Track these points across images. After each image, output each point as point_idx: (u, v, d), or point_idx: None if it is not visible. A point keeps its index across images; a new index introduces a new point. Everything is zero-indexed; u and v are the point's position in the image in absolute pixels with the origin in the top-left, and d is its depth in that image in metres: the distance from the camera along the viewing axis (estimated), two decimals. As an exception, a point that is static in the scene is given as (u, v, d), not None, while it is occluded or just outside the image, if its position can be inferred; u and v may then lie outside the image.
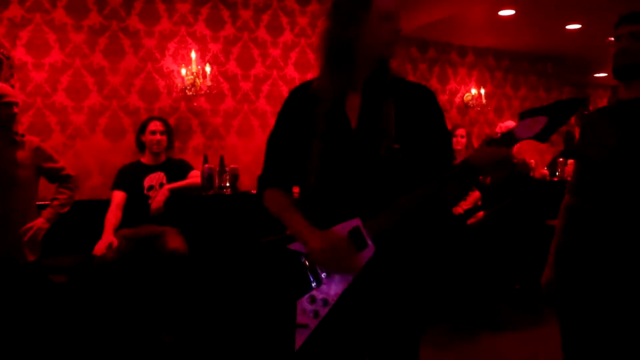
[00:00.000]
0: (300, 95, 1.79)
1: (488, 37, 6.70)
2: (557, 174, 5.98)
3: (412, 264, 1.75)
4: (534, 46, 7.25)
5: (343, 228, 1.62)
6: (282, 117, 1.82)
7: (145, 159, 4.12)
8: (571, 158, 5.37)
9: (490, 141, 1.60)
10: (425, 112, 1.72)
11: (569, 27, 6.23)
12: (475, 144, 6.42)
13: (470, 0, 5.22)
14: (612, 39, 2.11)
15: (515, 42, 7.03)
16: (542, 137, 1.53)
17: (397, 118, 1.66)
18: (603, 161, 2.05)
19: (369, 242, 1.60)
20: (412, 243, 1.75)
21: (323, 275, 1.65)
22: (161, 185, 3.98)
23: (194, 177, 4.16)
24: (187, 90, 4.90)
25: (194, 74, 4.87)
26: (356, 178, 1.66)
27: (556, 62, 7.88)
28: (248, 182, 4.89)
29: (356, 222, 1.62)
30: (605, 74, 8.52)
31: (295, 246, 1.68)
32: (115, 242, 3.58)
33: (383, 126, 1.66)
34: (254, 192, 4.68)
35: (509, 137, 1.56)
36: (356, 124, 1.69)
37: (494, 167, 1.56)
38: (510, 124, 4.88)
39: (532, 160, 6.31)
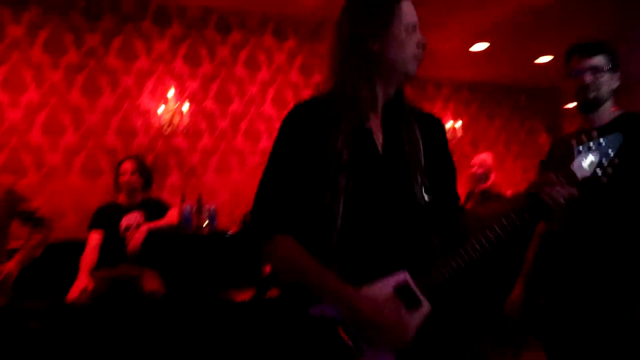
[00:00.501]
0: (308, 116, 1.46)
1: (463, 70, 6.83)
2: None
3: (466, 317, 1.64)
4: (508, 78, 7.40)
5: (386, 284, 1.32)
6: (286, 142, 1.46)
7: (122, 199, 4.09)
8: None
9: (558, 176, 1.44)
10: (442, 143, 1.58)
11: (540, 59, 6.38)
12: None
13: (443, 36, 5.33)
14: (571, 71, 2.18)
15: (489, 74, 7.17)
16: (601, 174, 1.44)
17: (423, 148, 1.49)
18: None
19: (423, 300, 1.31)
20: (469, 294, 1.64)
21: (364, 346, 1.30)
22: (138, 225, 3.95)
23: (172, 216, 4.14)
24: (164, 129, 4.90)
25: (172, 111, 4.88)
26: (393, 218, 1.41)
27: (529, 94, 8.03)
28: (226, 221, 4.88)
29: (403, 275, 1.33)
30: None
31: (322, 310, 1.33)
32: (91, 285, 3.54)
33: (415, 156, 1.47)
34: (231, 232, 4.67)
35: (571, 177, 1.44)
36: (382, 152, 1.46)
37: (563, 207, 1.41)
38: (484, 156, 4.94)
39: (509, 192, 6.39)
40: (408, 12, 1.47)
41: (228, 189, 5.31)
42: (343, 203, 1.36)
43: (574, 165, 1.43)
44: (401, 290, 1.31)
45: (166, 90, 4.98)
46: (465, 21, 4.98)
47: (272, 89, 5.65)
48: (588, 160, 1.44)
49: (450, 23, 5.12)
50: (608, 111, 2.15)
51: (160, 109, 4.93)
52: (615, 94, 2.18)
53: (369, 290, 1.31)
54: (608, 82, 2.13)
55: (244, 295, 3.93)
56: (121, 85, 4.96)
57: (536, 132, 8.15)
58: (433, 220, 1.46)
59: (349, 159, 1.38)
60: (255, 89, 5.55)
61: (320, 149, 1.40)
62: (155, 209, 4.10)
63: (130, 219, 3.97)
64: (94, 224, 3.95)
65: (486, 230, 1.39)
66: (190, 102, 5.12)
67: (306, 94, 5.77)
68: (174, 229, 4.14)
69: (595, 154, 1.44)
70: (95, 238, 3.88)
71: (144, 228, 3.90)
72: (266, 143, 5.56)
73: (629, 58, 5.72)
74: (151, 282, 3.64)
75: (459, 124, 7.08)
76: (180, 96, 5.10)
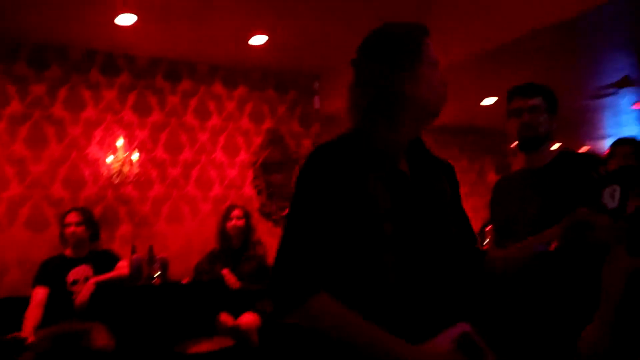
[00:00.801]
0: (337, 160, 1.33)
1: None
2: (485, 242, 6.13)
3: None
4: (454, 120, 7.61)
5: (445, 338, 1.23)
6: (315, 188, 1.31)
7: (69, 252, 3.97)
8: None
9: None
10: (456, 188, 1.56)
11: (485, 101, 6.61)
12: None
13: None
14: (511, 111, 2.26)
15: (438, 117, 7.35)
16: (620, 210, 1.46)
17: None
18: (523, 228, 2.14)
19: (486, 350, 1.24)
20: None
21: None
22: (86, 279, 3.82)
23: (122, 268, 4.03)
24: (113, 178, 4.81)
25: (121, 161, 4.80)
26: (442, 268, 1.36)
27: (477, 134, 8.28)
28: (178, 271, 4.77)
29: (462, 327, 1.24)
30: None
31: None
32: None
33: (445, 202, 1.44)
34: (184, 281, 4.57)
35: (602, 209, 1.47)
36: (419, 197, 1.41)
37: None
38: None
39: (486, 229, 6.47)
40: (431, 49, 1.45)
41: (180, 237, 5.21)
42: (393, 254, 1.27)
43: (605, 198, 1.48)
44: (462, 343, 1.23)
45: (115, 140, 4.90)
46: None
47: (223, 136, 5.64)
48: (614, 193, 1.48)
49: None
50: (547, 151, 2.24)
51: (109, 159, 4.84)
52: (554, 134, 2.27)
53: (429, 346, 1.22)
54: (546, 123, 2.22)
55: (200, 347, 3.81)
56: (68, 135, 4.86)
57: (486, 172, 8.37)
58: (468, 266, 1.45)
59: (392, 206, 1.30)
60: (205, 137, 5.53)
61: (356, 195, 1.29)
62: (104, 261, 3.99)
63: (78, 272, 3.85)
64: (38, 279, 3.81)
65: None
66: (140, 151, 5.05)
67: (257, 140, 5.81)
68: (124, 280, 4.03)
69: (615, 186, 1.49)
70: (39, 294, 3.73)
71: (92, 281, 3.78)
72: (218, 190, 5.52)
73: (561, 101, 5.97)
74: (100, 337, 3.51)
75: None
76: (129, 145, 5.03)
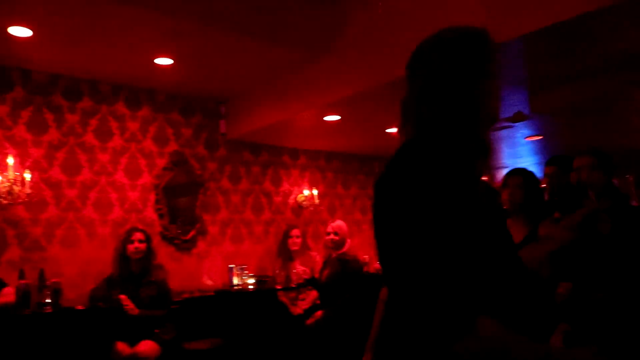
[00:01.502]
0: (455, 170, 1.26)
1: (318, 140, 7.07)
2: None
3: None
4: (361, 148, 7.78)
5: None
6: (443, 202, 1.18)
7: (-52, 278, 3.66)
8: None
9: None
10: None
11: (391, 129, 6.79)
12: (310, 243, 6.59)
13: (296, 107, 5.51)
14: None
15: (343, 144, 7.49)
16: None
17: None
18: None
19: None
20: None
21: None
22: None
23: (6, 295, 3.76)
24: (2, 199, 4.50)
25: (11, 180, 4.50)
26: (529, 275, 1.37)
27: (382, 162, 8.48)
28: (73, 297, 4.52)
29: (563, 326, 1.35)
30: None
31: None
32: None
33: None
34: (79, 307, 4.33)
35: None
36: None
37: None
38: (339, 222, 5.09)
39: (365, 256, 6.60)
40: (498, 53, 1.37)
41: (76, 262, 4.93)
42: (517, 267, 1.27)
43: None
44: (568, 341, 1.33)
45: (5, 158, 4.60)
46: (317, 94, 5.21)
47: (125, 157, 5.46)
48: None
49: (305, 94, 5.33)
50: None
51: (-2, 178, 4.53)
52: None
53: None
54: None
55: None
56: (-48, 152, 4.52)
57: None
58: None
59: (495, 219, 1.30)
60: (106, 158, 5.32)
61: (471, 205, 1.23)
62: (-12, 286, 3.71)
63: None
64: None
65: None
66: (33, 170, 4.77)
67: (160, 163, 5.67)
68: (10, 308, 3.76)
69: None
70: None
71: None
72: (118, 213, 5.30)
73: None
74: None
75: (315, 192, 7.26)
76: (21, 164, 4.74)
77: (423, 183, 1.20)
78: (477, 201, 1.25)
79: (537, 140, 7.51)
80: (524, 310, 1.25)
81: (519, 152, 8.50)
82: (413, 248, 1.17)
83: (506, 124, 6.57)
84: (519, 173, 3.33)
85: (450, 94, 1.32)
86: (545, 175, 3.92)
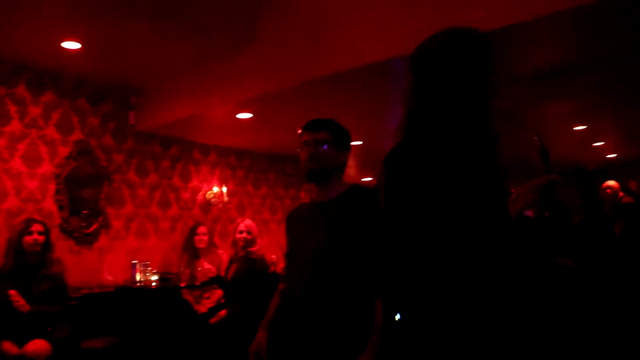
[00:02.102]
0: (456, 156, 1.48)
1: (229, 137, 6.99)
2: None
3: None
4: (273, 147, 7.77)
5: None
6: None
7: None
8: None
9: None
10: None
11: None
12: (217, 241, 6.51)
13: (209, 103, 5.43)
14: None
15: (255, 143, 7.45)
16: None
17: None
18: (306, 259, 2.27)
19: None
20: None
21: None
22: None
23: None
24: None
25: None
26: None
27: (294, 162, 8.51)
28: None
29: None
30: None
31: None
32: None
33: None
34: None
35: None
36: None
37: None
38: (249, 221, 5.05)
39: (273, 256, 6.59)
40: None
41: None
42: None
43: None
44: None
45: None
46: (231, 90, 5.15)
47: (23, 144, 5.14)
48: None
49: (218, 90, 5.26)
50: (336, 183, 2.35)
51: None
52: (343, 169, 2.40)
53: None
54: (333, 156, 2.33)
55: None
56: None
57: (301, 198, 8.62)
58: None
59: None
60: (2, 143, 4.99)
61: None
62: None
63: None
64: None
65: None
66: None
67: (63, 152, 5.39)
68: None
69: None
70: None
71: None
72: (13, 202, 4.99)
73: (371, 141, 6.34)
74: None
75: (225, 189, 7.18)
76: None
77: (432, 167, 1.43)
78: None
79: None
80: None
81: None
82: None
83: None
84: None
85: (463, 88, 1.50)
86: None
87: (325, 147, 2.31)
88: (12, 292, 3.90)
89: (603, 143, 8.73)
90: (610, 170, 10.35)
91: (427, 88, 1.55)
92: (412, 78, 1.59)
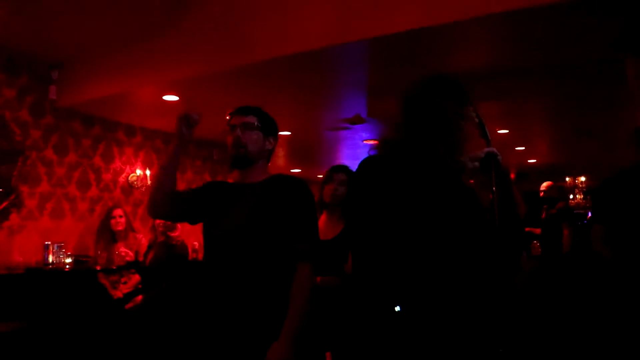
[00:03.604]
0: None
1: (156, 119, 6.81)
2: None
3: None
4: (200, 132, 7.59)
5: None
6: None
7: None
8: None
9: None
10: None
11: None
12: (138, 226, 6.34)
13: (135, 82, 5.26)
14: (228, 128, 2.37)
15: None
16: None
17: None
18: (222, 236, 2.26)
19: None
20: None
21: None
22: None
23: None
24: None
25: None
26: None
27: (222, 148, 8.39)
28: None
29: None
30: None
31: None
32: None
33: None
34: None
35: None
36: None
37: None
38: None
39: (195, 243, 6.50)
40: None
41: None
42: None
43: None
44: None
45: None
46: (158, 70, 5.01)
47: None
48: None
49: (145, 69, 5.10)
50: (261, 170, 2.35)
51: None
52: (269, 155, 2.40)
53: None
54: (258, 141, 2.33)
55: None
56: None
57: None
58: None
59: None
60: None
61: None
62: None
63: None
64: None
65: None
66: None
67: (35, 134, 5.10)
68: None
69: None
70: None
71: None
72: None
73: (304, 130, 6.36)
74: None
75: (148, 172, 7.00)
76: None
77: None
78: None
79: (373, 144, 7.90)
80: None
81: (358, 154, 8.91)
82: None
83: (345, 124, 6.84)
84: (343, 170, 3.49)
85: (438, 132, 1.85)
86: None
87: (251, 131, 2.30)
88: None
89: (524, 148, 9.08)
90: (530, 175, 10.83)
91: (408, 122, 1.90)
92: (400, 112, 1.94)
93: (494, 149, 1.85)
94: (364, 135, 7.43)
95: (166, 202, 2.34)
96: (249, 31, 4.36)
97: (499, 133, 7.49)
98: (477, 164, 1.83)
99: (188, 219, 2.46)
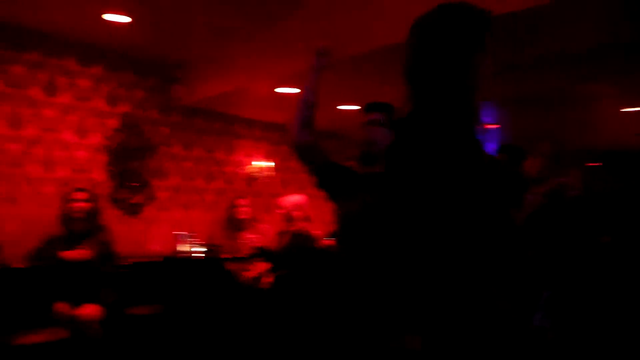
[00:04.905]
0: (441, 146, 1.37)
1: (273, 111, 6.98)
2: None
3: None
4: (318, 124, 7.70)
5: None
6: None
7: None
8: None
9: None
10: None
11: (343, 106, 6.79)
12: (261, 215, 6.55)
13: (251, 76, 5.42)
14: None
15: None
16: None
17: None
18: None
19: None
20: None
21: None
22: None
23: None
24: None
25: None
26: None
27: (338, 138, 8.47)
28: (14, 255, 4.35)
29: None
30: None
31: None
32: None
33: None
34: (18, 265, 4.19)
35: None
36: None
37: None
38: (294, 197, 5.06)
39: (318, 232, 6.60)
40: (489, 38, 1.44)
41: (17, 220, 4.76)
42: None
43: None
44: None
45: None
46: (273, 64, 5.13)
47: (74, 116, 5.27)
48: None
49: (259, 63, 5.25)
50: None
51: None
52: None
53: None
54: (385, 138, 2.28)
55: (30, 339, 3.50)
56: None
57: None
58: None
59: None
60: (53, 114, 5.12)
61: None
62: None
63: None
64: None
65: None
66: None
67: (111, 123, 5.50)
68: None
69: None
70: None
71: None
72: (64, 172, 5.13)
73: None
74: None
75: (269, 164, 7.21)
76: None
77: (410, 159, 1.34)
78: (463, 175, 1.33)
79: (488, 129, 7.65)
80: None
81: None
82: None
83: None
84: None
85: (445, 66, 1.41)
86: None
87: (380, 127, 2.31)
88: (65, 253, 4.06)
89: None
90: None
91: (413, 71, 1.50)
92: (407, 54, 1.52)
93: (566, 179, 1.65)
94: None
95: (313, 122, 2.37)
96: (370, 14, 4.31)
97: (624, 112, 6.93)
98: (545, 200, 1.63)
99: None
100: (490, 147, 9.06)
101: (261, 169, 7.15)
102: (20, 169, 4.88)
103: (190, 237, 5.74)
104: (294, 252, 4.78)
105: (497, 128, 7.53)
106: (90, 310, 3.95)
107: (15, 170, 4.85)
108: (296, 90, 5.67)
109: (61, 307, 3.86)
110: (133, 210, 5.71)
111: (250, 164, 7.15)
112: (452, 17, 1.43)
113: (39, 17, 4.78)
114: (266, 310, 4.56)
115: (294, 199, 5.01)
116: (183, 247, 5.66)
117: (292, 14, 4.80)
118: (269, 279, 4.90)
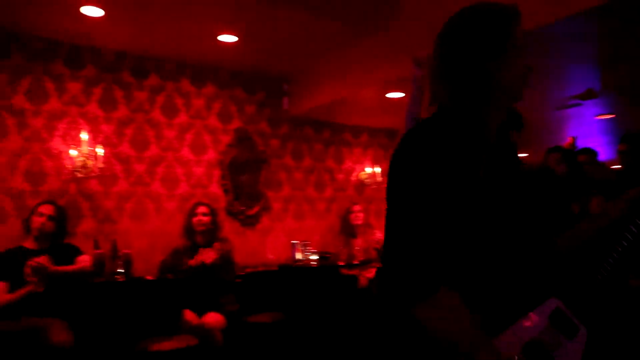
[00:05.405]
0: (443, 144, 1.29)
1: (380, 117, 6.98)
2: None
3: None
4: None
5: (540, 314, 1.25)
6: (429, 177, 1.27)
7: (29, 243, 3.84)
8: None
9: None
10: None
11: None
12: (372, 221, 6.56)
13: (356, 84, 5.45)
14: None
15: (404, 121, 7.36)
16: None
17: None
18: None
19: (580, 325, 1.26)
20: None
21: None
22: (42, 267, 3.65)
23: (83, 262, 3.91)
24: (77, 172, 4.68)
25: (85, 155, 4.67)
26: (532, 250, 1.45)
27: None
28: (142, 268, 4.66)
29: (555, 302, 1.27)
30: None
31: None
32: None
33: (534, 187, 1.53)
34: (149, 277, 4.47)
35: None
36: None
37: None
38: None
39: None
40: (520, 32, 1.40)
41: (144, 235, 5.10)
42: (492, 240, 1.33)
43: None
44: (556, 318, 1.25)
45: (79, 134, 4.77)
46: (378, 70, 5.13)
47: (190, 134, 5.57)
48: None
49: (365, 70, 5.27)
50: None
51: (73, 153, 4.70)
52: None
53: (524, 325, 1.24)
54: None
55: (163, 346, 3.72)
56: (30, 127, 4.70)
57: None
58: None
59: (501, 193, 1.36)
60: (172, 134, 5.45)
61: (465, 180, 1.28)
62: (65, 254, 3.87)
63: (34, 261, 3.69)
64: (-4, 274, 3.66)
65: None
66: (105, 145, 4.94)
67: (224, 139, 5.75)
68: (86, 275, 3.91)
69: None
70: (-1, 289, 3.59)
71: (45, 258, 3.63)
72: (184, 188, 5.43)
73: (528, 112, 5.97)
74: (58, 333, 3.39)
75: (378, 169, 7.21)
76: (94, 140, 4.90)
77: (414, 161, 1.30)
78: (478, 178, 1.30)
79: (606, 119, 7.17)
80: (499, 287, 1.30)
81: (587, 131, 8.17)
82: (398, 213, 1.34)
83: (575, 101, 6.31)
84: (557, 150, 3.23)
85: (465, 70, 1.38)
86: (619, 152, 3.74)
87: None
88: (191, 261, 4.30)
89: None
90: None
91: (435, 75, 1.46)
92: (434, 58, 1.48)
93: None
94: (596, 110, 6.77)
95: None
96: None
97: None
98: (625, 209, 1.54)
99: None
100: (605, 138, 8.49)
101: (371, 175, 7.15)
102: (145, 188, 5.22)
103: (305, 245, 5.86)
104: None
105: (610, 118, 7.05)
106: (214, 319, 4.13)
107: (141, 189, 5.20)
108: (403, 95, 5.64)
109: (189, 315, 4.07)
110: (250, 221, 5.92)
111: (360, 171, 7.18)
112: (475, 18, 1.41)
113: (158, 45, 5.12)
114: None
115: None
116: (299, 256, 5.78)
117: (394, 17, 4.78)
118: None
